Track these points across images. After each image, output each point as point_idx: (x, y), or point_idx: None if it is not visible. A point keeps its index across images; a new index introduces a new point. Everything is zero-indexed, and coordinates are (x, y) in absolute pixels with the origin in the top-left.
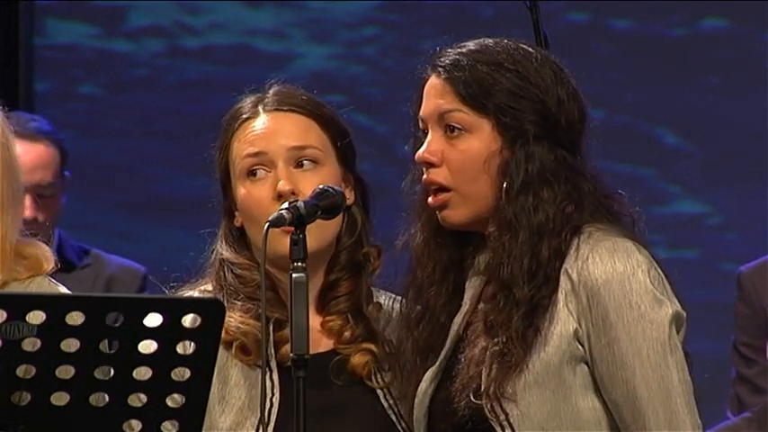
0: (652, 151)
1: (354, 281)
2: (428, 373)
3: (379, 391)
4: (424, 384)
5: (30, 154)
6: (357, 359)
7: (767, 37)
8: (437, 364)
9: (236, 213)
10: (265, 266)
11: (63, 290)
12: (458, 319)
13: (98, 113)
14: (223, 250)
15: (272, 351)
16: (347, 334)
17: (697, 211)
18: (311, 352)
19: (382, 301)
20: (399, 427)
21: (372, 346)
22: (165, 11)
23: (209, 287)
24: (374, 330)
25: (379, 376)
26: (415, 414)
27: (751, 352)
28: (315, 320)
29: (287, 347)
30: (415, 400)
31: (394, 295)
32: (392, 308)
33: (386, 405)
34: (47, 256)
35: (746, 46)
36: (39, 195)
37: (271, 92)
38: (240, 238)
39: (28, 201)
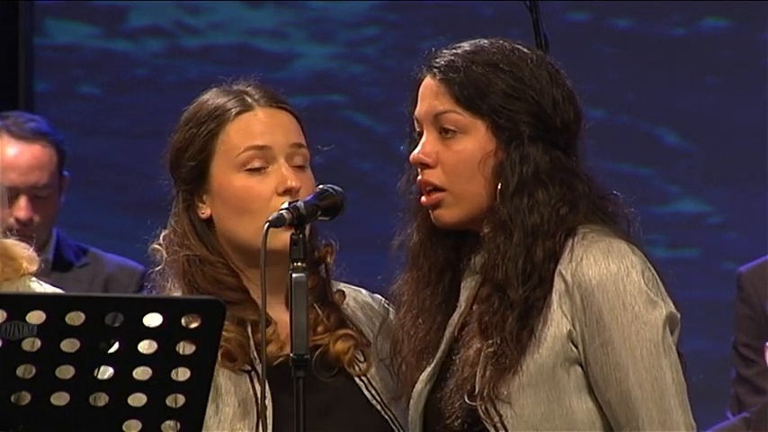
0: (652, 151)
1: (316, 276)
2: (424, 374)
3: (360, 384)
4: (419, 385)
5: (25, 155)
6: (339, 346)
7: (767, 37)
8: (432, 365)
9: (202, 205)
10: (231, 260)
11: (49, 289)
12: (453, 320)
13: (98, 113)
14: (193, 246)
15: (255, 355)
16: (320, 328)
17: (697, 210)
18: (289, 353)
19: (358, 298)
20: (386, 417)
21: (349, 331)
22: (165, 11)
23: (180, 294)
24: (344, 317)
25: (356, 366)
26: (411, 415)
27: (751, 352)
28: (287, 319)
29: (268, 349)
30: (411, 400)
31: (353, 287)
32: (354, 298)
33: (369, 396)
34: (29, 256)
35: (746, 46)
36: (35, 196)
37: (251, 88)
38: (209, 232)
39: (24, 201)
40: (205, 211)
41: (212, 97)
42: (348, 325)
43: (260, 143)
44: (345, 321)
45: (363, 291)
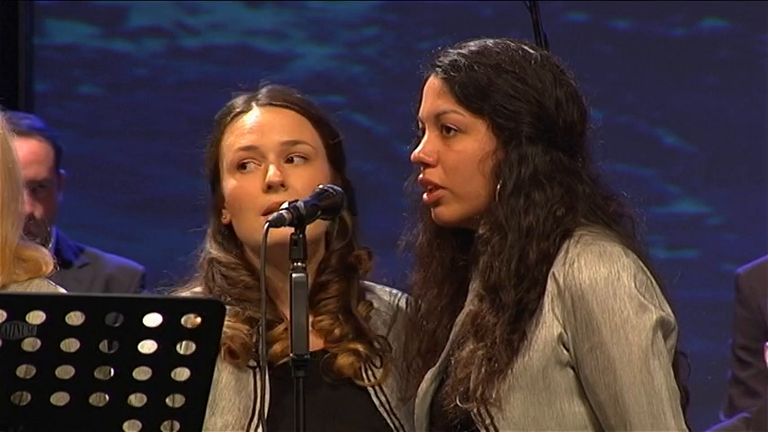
0: (652, 151)
1: (345, 282)
2: (429, 373)
3: (369, 389)
4: (424, 384)
5: (23, 149)
6: (342, 360)
7: (767, 37)
8: (437, 364)
9: (224, 210)
10: (250, 261)
11: (61, 291)
12: (460, 320)
13: (98, 113)
14: (212, 249)
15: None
16: (336, 332)
17: (697, 211)
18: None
19: (383, 298)
20: (391, 425)
21: (359, 346)
22: (165, 11)
23: (199, 289)
24: (363, 329)
25: (370, 373)
26: (416, 413)
27: (747, 355)
28: None
29: (275, 348)
30: (416, 399)
31: (397, 291)
32: (394, 304)
33: (377, 403)
34: (46, 259)
35: (746, 46)
36: (34, 190)
37: (264, 90)
38: (228, 236)
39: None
40: (226, 216)
41: (227, 103)
42: (364, 337)
43: (245, 144)
44: (362, 333)
45: (387, 289)
